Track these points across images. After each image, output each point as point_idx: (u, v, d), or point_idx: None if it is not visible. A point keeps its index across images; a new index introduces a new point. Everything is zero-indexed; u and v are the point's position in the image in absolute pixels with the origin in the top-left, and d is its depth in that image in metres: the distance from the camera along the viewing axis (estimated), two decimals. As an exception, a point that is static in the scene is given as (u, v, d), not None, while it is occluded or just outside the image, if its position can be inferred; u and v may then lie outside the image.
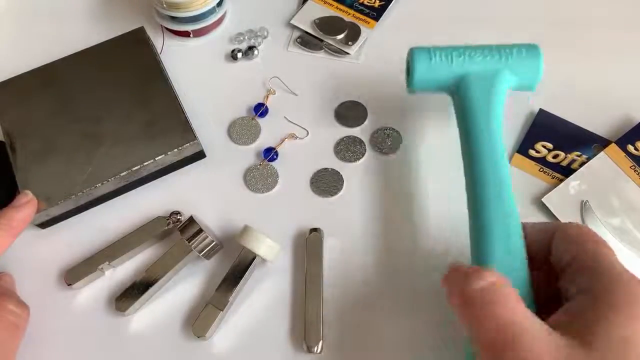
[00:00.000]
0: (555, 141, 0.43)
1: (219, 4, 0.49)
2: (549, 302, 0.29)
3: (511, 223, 0.32)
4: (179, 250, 0.38)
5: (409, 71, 0.39)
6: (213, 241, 0.37)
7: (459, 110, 0.37)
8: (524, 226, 0.32)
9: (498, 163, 0.34)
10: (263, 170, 0.43)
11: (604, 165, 0.41)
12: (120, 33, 0.46)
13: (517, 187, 0.41)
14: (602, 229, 0.39)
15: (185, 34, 0.49)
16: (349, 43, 0.49)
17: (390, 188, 0.42)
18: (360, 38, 0.49)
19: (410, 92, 0.40)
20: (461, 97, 0.37)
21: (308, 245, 0.39)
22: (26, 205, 0.37)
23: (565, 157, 0.42)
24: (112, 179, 0.39)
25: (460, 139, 0.37)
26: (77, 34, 0.50)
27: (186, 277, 0.39)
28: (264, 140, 0.44)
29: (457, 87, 0.38)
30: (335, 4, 0.51)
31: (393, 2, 0.51)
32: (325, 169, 0.43)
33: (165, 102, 0.43)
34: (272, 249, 0.37)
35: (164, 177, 0.42)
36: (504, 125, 0.44)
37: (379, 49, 0.49)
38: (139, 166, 0.40)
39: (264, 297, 0.38)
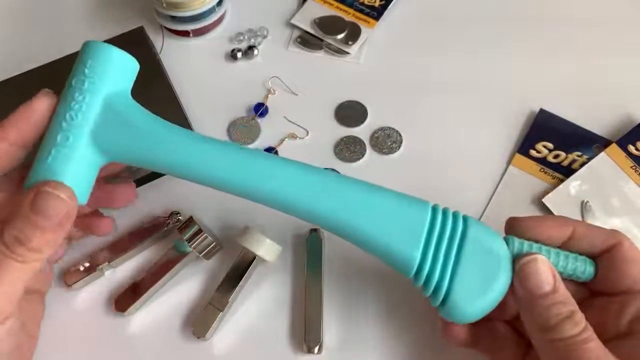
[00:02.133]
0: (556, 141, 0.43)
1: (219, 4, 0.49)
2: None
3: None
4: (179, 251, 0.38)
5: None
6: (213, 241, 0.37)
7: (147, 165, 0.31)
8: (575, 225, 0.31)
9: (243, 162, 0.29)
10: (263, 170, 0.43)
11: (605, 166, 0.41)
12: (120, 33, 0.46)
13: (518, 187, 0.41)
14: (603, 229, 0.39)
15: (185, 34, 0.49)
16: (349, 43, 0.48)
17: (390, 188, 0.42)
18: (361, 38, 0.49)
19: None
20: (123, 156, 0.30)
21: (308, 245, 0.39)
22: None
23: (566, 157, 0.42)
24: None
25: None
26: (77, 34, 0.50)
27: (186, 277, 0.39)
28: (264, 140, 0.44)
29: (105, 154, 0.30)
30: (335, 3, 0.51)
31: (393, 1, 0.51)
32: (325, 169, 0.43)
33: (165, 102, 0.43)
34: (272, 249, 0.36)
35: (163, 177, 0.42)
36: (504, 125, 0.44)
37: (380, 48, 0.49)
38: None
39: (264, 297, 0.38)
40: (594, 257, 0.30)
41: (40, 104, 0.30)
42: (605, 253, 0.30)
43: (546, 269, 0.28)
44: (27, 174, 0.30)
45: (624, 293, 0.29)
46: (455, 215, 0.30)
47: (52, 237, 0.28)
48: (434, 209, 0.30)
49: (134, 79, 0.32)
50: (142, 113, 0.30)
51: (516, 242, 0.30)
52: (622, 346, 0.27)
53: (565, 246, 0.30)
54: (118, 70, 0.30)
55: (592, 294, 0.31)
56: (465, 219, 0.30)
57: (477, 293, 0.28)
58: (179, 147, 0.30)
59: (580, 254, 0.30)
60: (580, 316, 0.27)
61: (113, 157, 0.30)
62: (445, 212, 0.30)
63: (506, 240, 0.30)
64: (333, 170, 0.31)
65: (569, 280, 0.31)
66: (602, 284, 0.30)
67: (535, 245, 0.30)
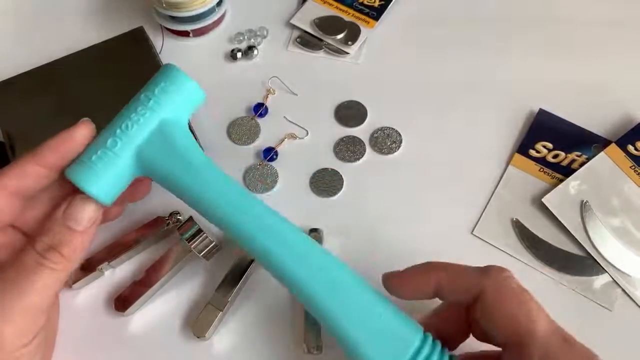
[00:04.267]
0: (556, 141, 0.43)
1: (219, 4, 0.49)
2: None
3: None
4: (179, 251, 0.38)
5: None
6: (213, 241, 0.37)
7: (167, 187, 0.32)
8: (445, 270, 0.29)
9: (268, 220, 0.30)
10: (263, 170, 0.43)
11: (604, 166, 0.41)
12: (120, 33, 0.46)
13: (517, 187, 0.41)
14: (603, 229, 0.39)
15: (185, 34, 0.49)
16: (349, 43, 0.48)
17: (390, 188, 0.42)
18: (360, 38, 0.49)
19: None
20: (157, 176, 0.31)
21: (308, 246, 0.39)
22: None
23: (566, 157, 0.42)
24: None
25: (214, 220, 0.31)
26: (77, 34, 0.50)
27: (186, 277, 0.39)
28: (264, 140, 0.44)
29: (143, 169, 0.31)
30: (335, 3, 0.51)
31: (393, 1, 0.51)
32: (325, 169, 0.43)
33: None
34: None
35: (163, 177, 0.42)
36: (504, 125, 0.44)
37: (379, 48, 0.49)
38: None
39: (264, 297, 0.38)
40: (471, 305, 0.28)
41: (80, 132, 0.31)
42: (475, 301, 0.27)
43: None
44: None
45: (518, 341, 0.26)
46: (442, 350, 0.28)
47: (81, 241, 0.30)
48: (424, 338, 0.28)
49: (196, 108, 0.33)
50: (191, 144, 0.32)
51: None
52: None
53: (438, 296, 0.29)
54: (185, 99, 0.32)
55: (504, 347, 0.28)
56: (451, 357, 0.28)
57: None
58: (209, 190, 0.31)
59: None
60: None
61: (148, 174, 0.32)
62: (434, 344, 0.28)
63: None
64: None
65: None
66: (494, 337, 0.27)
67: None
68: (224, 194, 0.30)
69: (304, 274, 0.29)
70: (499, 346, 0.28)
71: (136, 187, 0.34)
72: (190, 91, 0.32)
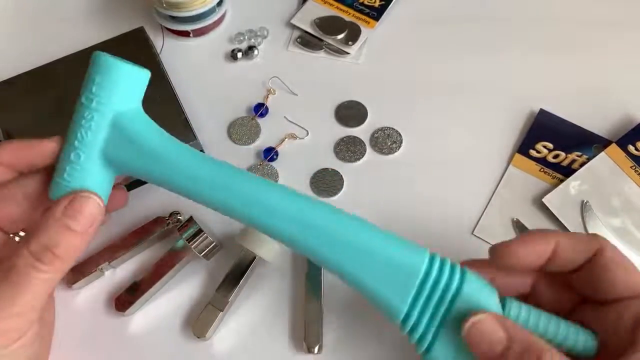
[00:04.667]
0: (556, 141, 0.43)
1: (219, 4, 0.49)
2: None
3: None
4: (179, 251, 0.38)
5: None
6: (213, 241, 0.37)
7: (151, 180, 0.31)
8: (556, 235, 0.29)
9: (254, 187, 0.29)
10: (263, 170, 0.43)
11: (605, 166, 0.41)
12: (120, 33, 0.46)
13: (518, 187, 0.41)
14: (603, 229, 0.39)
15: (185, 34, 0.49)
16: (349, 43, 0.48)
17: (391, 188, 0.42)
18: (361, 38, 0.49)
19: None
20: (130, 170, 0.31)
21: (308, 246, 0.39)
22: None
23: (566, 157, 0.42)
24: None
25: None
26: (77, 34, 0.50)
27: (186, 277, 0.39)
28: (264, 140, 0.44)
29: (115, 168, 0.30)
30: (335, 3, 0.51)
31: (393, 2, 0.51)
32: (325, 169, 0.43)
33: (164, 102, 0.43)
34: (272, 250, 0.36)
35: (164, 177, 0.42)
36: (504, 125, 0.44)
37: (379, 49, 0.49)
38: (138, 166, 0.40)
39: (264, 297, 0.38)
40: (580, 270, 0.29)
41: (48, 146, 0.30)
42: (588, 262, 0.28)
43: (492, 326, 0.26)
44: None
45: (617, 301, 0.27)
46: (452, 267, 0.28)
47: (79, 242, 0.29)
48: (431, 260, 0.28)
49: (145, 88, 0.31)
50: (150, 131, 0.30)
51: (513, 306, 0.28)
52: None
53: (550, 263, 0.29)
54: (126, 86, 0.30)
55: (582, 300, 0.30)
56: (463, 272, 0.28)
57: (460, 352, 0.27)
58: (183, 167, 0.30)
59: (572, 271, 0.29)
60: (549, 356, 0.25)
61: (123, 172, 0.31)
62: (442, 263, 0.28)
63: (503, 300, 0.28)
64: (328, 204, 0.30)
65: (555, 287, 0.30)
66: (592, 292, 0.29)
67: (533, 313, 0.28)
68: (201, 173, 0.29)
69: (300, 234, 0.29)
70: (597, 302, 0.28)
71: (111, 198, 0.33)
72: (130, 75, 0.30)
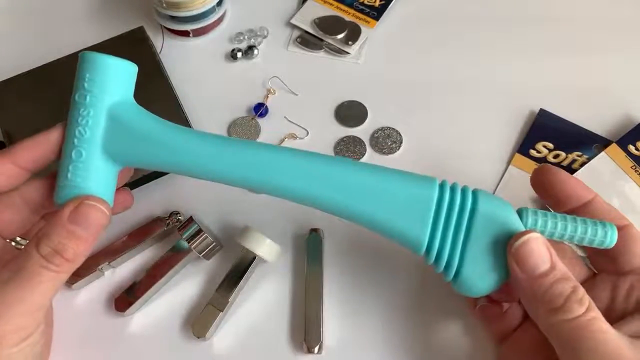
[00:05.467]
0: (556, 141, 0.43)
1: (219, 4, 0.49)
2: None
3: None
4: (179, 251, 0.38)
5: None
6: (213, 241, 0.37)
7: (155, 167, 0.32)
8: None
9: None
10: (263, 170, 0.43)
11: (605, 166, 0.41)
12: (120, 33, 0.46)
13: (518, 187, 0.41)
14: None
15: (185, 34, 0.49)
16: (349, 43, 0.48)
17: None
18: (361, 38, 0.49)
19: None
20: (133, 162, 0.31)
21: (308, 245, 0.39)
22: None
23: (566, 157, 0.42)
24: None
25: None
26: (77, 34, 0.50)
27: (186, 277, 0.39)
28: (264, 140, 0.44)
29: (119, 162, 0.31)
30: (335, 3, 0.51)
31: (393, 1, 0.51)
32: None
33: (164, 102, 0.43)
34: (272, 250, 0.36)
35: (163, 177, 0.42)
36: (504, 125, 0.44)
37: (380, 48, 0.49)
38: (138, 166, 0.40)
39: (264, 297, 0.38)
40: None
41: (55, 135, 0.31)
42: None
43: (541, 246, 0.28)
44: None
45: (633, 272, 0.30)
46: (464, 190, 0.30)
47: (86, 246, 0.30)
48: (442, 186, 0.29)
49: (134, 81, 0.32)
50: (145, 118, 0.31)
51: (530, 214, 0.29)
52: (631, 323, 0.28)
53: (584, 210, 0.31)
54: (116, 78, 0.31)
55: (594, 274, 0.32)
56: (474, 193, 0.29)
57: (489, 268, 0.29)
58: (183, 147, 0.30)
59: None
60: (582, 292, 0.27)
61: (125, 164, 0.31)
62: (453, 188, 0.30)
63: (519, 212, 0.29)
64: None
65: (571, 262, 0.31)
66: (610, 263, 0.31)
67: (550, 216, 0.29)
68: (202, 150, 0.30)
69: (312, 187, 0.30)
70: (618, 274, 0.30)
71: (116, 200, 0.33)
72: (118, 68, 0.31)
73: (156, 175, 0.42)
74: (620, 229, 0.30)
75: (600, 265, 0.32)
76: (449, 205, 0.29)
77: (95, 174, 0.30)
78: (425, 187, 0.29)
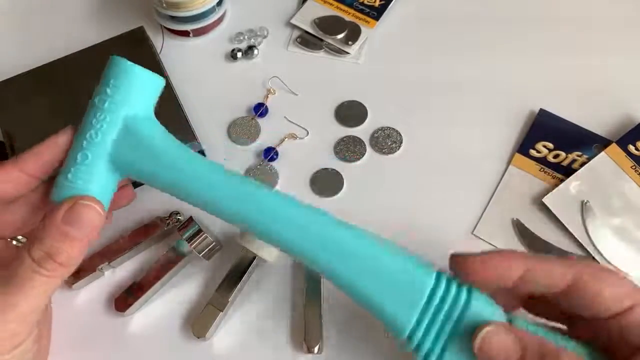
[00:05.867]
0: (556, 141, 0.43)
1: (219, 4, 0.49)
2: None
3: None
4: (179, 251, 0.38)
5: None
6: (213, 241, 0.37)
7: (155, 185, 0.31)
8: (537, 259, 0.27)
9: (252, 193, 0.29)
10: (263, 170, 0.43)
11: (605, 165, 0.41)
12: (119, 33, 0.46)
13: (518, 187, 0.41)
14: (603, 229, 0.39)
15: (185, 34, 0.49)
16: (349, 43, 0.48)
17: (391, 188, 0.42)
18: (361, 38, 0.49)
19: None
20: (136, 174, 0.31)
21: (308, 246, 0.39)
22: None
23: (566, 157, 0.42)
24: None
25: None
26: (77, 34, 0.50)
27: (186, 277, 0.39)
28: (264, 140, 0.44)
29: (122, 171, 0.30)
30: (335, 3, 0.51)
31: (393, 1, 0.51)
32: (325, 169, 0.43)
33: (165, 102, 0.42)
34: (272, 250, 0.36)
35: (163, 177, 0.42)
36: (504, 125, 0.44)
37: (380, 48, 0.49)
38: (138, 166, 0.40)
39: (264, 297, 0.38)
40: (558, 295, 0.27)
41: (63, 139, 0.30)
42: (571, 286, 0.27)
43: (504, 338, 0.25)
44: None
45: (614, 315, 0.26)
46: (459, 286, 0.28)
47: (79, 249, 0.29)
48: (438, 277, 0.28)
49: (158, 96, 0.32)
50: (161, 137, 0.30)
51: (519, 322, 0.27)
52: None
53: (518, 287, 0.27)
54: (141, 90, 0.30)
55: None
56: (469, 291, 0.27)
57: None
58: (191, 174, 0.30)
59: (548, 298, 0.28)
60: (566, 357, 0.24)
61: (129, 175, 0.31)
62: (449, 281, 0.28)
63: (510, 320, 0.27)
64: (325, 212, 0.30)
65: (546, 305, 0.29)
66: (586, 313, 0.27)
67: (540, 329, 0.27)
68: (204, 180, 0.29)
69: (308, 246, 0.28)
70: (582, 319, 0.27)
71: (119, 194, 0.33)
72: (145, 80, 0.30)
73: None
74: (574, 281, 0.26)
75: (575, 313, 0.28)
76: (441, 298, 0.27)
77: (96, 178, 0.30)
78: (422, 274, 0.28)
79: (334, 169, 0.43)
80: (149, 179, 0.31)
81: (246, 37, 0.50)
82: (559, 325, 0.30)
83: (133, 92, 0.30)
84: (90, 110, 0.30)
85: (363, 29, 0.49)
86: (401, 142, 0.44)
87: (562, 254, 0.39)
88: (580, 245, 0.39)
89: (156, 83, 0.31)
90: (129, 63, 0.30)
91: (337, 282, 0.29)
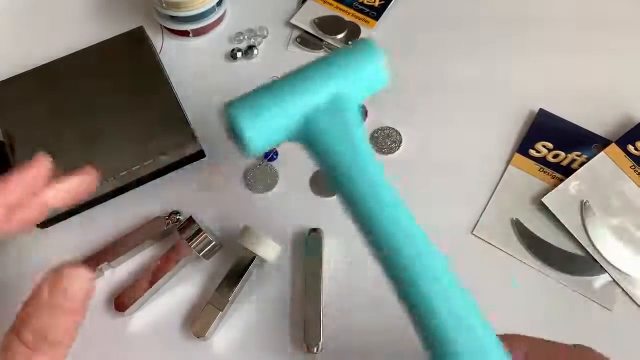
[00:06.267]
0: (556, 141, 0.43)
1: (219, 4, 0.49)
2: None
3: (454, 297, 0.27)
4: (179, 251, 0.38)
5: (237, 135, 0.29)
6: (213, 241, 0.37)
7: (321, 162, 0.29)
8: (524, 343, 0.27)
9: (397, 215, 0.29)
10: (263, 170, 0.43)
11: (604, 166, 0.41)
12: (120, 33, 0.46)
13: (518, 187, 0.41)
14: (603, 229, 0.39)
15: (185, 34, 0.49)
16: (349, 43, 0.48)
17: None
18: (361, 38, 0.49)
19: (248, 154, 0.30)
20: (316, 145, 0.29)
21: (308, 245, 0.39)
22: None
23: (566, 157, 0.42)
24: (112, 179, 0.39)
25: (339, 195, 0.29)
26: (77, 34, 0.50)
27: (186, 277, 0.39)
28: (264, 140, 0.44)
29: (304, 137, 0.29)
30: (335, 3, 0.51)
31: (393, 1, 0.51)
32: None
33: (164, 102, 0.43)
34: (272, 250, 0.36)
35: (163, 177, 0.42)
36: (504, 125, 0.44)
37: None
38: (138, 166, 0.40)
39: (264, 297, 0.38)
40: None
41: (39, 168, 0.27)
42: None
43: None
44: None
45: None
46: None
47: (73, 321, 0.26)
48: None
49: (374, 93, 0.31)
50: (357, 126, 0.30)
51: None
52: None
53: None
54: (368, 80, 0.30)
55: None
56: None
57: None
58: (363, 178, 0.29)
59: None
60: None
61: (308, 143, 0.29)
62: None
63: None
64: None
65: None
66: None
67: None
68: (376, 188, 0.29)
69: (429, 290, 0.27)
70: None
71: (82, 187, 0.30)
72: (376, 73, 0.30)
73: (156, 175, 0.42)
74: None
75: None
76: None
77: (281, 124, 0.28)
78: (497, 352, 0.26)
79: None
80: (324, 157, 0.29)
81: (246, 37, 0.50)
82: None
83: (363, 78, 0.30)
84: (319, 68, 0.29)
85: (363, 29, 0.49)
86: (401, 142, 0.44)
87: (562, 254, 0.39)
88: (580, 245, 0.39)
89: (382, 81, 0.31)
90: (378, 48, 0.31)
91: (429, 320, 0.27)
